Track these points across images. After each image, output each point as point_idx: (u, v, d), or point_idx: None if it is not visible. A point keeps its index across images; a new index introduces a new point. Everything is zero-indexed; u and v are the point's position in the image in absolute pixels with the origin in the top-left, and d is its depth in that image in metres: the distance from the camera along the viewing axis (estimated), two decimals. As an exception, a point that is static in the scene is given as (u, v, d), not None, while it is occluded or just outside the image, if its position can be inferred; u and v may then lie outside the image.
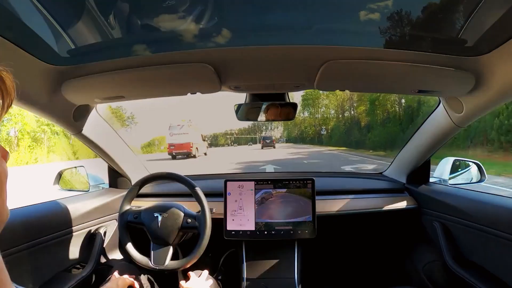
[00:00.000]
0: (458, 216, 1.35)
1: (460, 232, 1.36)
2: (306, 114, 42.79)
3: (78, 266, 1.38)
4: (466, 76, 0.99)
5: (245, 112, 1.36)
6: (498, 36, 0.83)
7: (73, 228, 1.34)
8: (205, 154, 22.27)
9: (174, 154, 19.72)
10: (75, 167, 1.69)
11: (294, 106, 1.32)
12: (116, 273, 1.25)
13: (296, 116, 1.35)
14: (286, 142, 47.95)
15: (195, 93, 1.17)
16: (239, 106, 1.34)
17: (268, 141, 30.86)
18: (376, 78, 1.09)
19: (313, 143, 38.48)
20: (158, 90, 1.20)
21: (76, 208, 1.38)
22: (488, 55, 0.89)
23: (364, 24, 0.87)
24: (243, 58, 0.99)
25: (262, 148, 28.68)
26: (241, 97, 1.37)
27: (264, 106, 1.33)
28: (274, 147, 29.32)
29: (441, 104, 1.33)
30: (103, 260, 1.50)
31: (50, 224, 1.24)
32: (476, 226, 1.25)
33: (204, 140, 22.91)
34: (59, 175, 1.63)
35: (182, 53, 0.96)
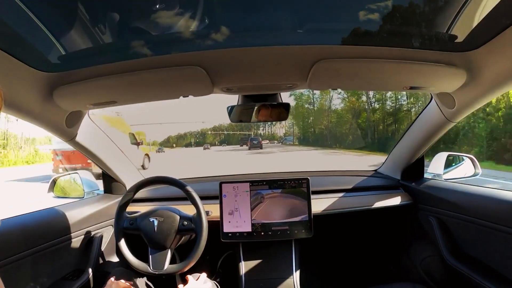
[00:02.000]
0: (453, 210, 1.36)
1: (456, 226, 1.37)
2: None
3: (76, 273, 1.36)
4: (457, 72, 0.99)
5: (238, 113, 1.35)
6: (487, 31, 0.83)
7: (69, 235, 1.32)
8: (143, 167, 13.22)
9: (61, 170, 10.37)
10: (69, 173, 1.68)
11: (286, 106, 1.31)
12: (112, 278, 1.24)
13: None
14: (300, 144, 31.21)
15: (187, 96, 1.16)
16: (232, 107, 1.33)
17: (255, 142, 29.93)
18: (367, 76, 1.08)
19: (361, 147, 21.05)
20: (150, 94, 1.19)
21: (71, 215, 1.36)
22: (478, 50, 0.90)
23: (355, 22, 0.88)
24: (235, 60, 0.98)
25: (249, 149, 28.09)
26: (233, 99, 1.35)
27: (256, 107, 1.32)
28: (261, 148, 28.50)
29: (433, 100, 1.33)
30: (100, 266, 1.50)
31: (46, 232, 1.22)
32: (472, 219, 1.25)
33: (138, 144, 13.28)
34: (53, 183, 1.61)
35: (174, 56, 0.95)
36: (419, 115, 1.50)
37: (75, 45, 0.91)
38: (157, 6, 0.83)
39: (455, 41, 0.91)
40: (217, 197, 1.51)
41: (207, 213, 1.35)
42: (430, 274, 1.52)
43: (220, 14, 0.88)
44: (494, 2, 0.75)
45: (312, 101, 31.27)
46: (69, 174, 1.68)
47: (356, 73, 1.06)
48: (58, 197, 1.61)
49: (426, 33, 0.93)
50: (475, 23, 0.83)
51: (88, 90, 1.06)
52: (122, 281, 1.22)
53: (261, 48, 0.93)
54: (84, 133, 1.35)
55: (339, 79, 1.12)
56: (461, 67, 0.99)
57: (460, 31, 0.87)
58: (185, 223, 1.32)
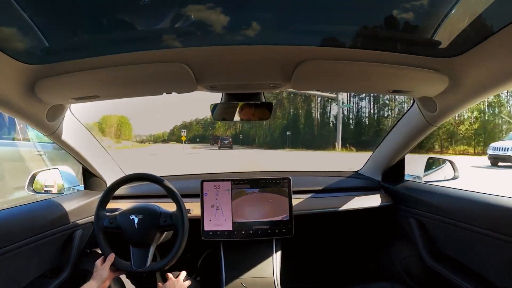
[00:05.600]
0: (433, 212, 1.36)
1: (435, 227, 1.37)
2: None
3: (55, 271, 1.31)
4: (440, 77, 0.99)
5: (221, 111, 1.32)
6: (471, 38, 0.82)
7: (48, 232, 1.26)
8: None
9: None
10: (49, 169, 1.62)
11: (269, 106, 1.29)
12: (98, 262, 1.20)
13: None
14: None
15: (171, 93, 1.13)
16: (215, 106, 1.30)
17: (225, 142, 30.31)
18: (351, 78, 1.08)
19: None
20: (133, 90, 1.15)
21: (51, 212, 1.31)
22: (461, 56, 0.89)
23: (340, 24, 0.87)
24: (220, 58, 0.96)
25: (219, 148, 28.54)
26: (217, 96, 1.32)
27: (240, 106, 1.30)
28: (231, 148, 28.95)
29: (415, 104, 1.33)
30: (80, 264, 1.44)
31: (25, 228, 1.17)
32: (450, 221, 1.26)
33: None
34: (32, 178, 1.55)
35: (158, 52, 0.92)
36: (401, 118, 1.50)
37: (59, 37, 0.88)
38: (143, 1, 0.81)
39: (439, 47, 0.91)
40: (198, 195, 1.48)
41: (188, 211, 1.32)
42: (409, 273, 1.52)
43: (206, 12, 0.85)
44: (479, 11, 0.75)
45: None
46: (49, 169, 1.62)
47: (340, 75, 1.05)
48: (37, 192, 1.55)
49: (411, 38, 0.93)
50: (459, 31, 0.83)
51: (71, 84, 1.02)
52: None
53: (246, 47, 0.91)
54: (66, 127, 1.30)
55: (323, 80, 1.11)
56: (443, 73, 0.98)
57: (444, 38, 0.87)
58: (166, 219, 1.28)
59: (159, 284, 1.24)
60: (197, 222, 1.45)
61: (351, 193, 1.68)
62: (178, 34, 0.89)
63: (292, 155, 20.81)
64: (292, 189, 1.48)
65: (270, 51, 0.94)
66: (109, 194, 1.32)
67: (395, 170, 1.69)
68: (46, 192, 1.58)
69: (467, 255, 1.22)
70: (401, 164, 1.68)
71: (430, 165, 1.71)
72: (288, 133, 31.82)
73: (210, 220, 1.46)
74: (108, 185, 1.35)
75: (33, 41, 0.86)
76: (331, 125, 31.39)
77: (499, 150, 11.22)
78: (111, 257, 1.21)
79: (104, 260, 1.21)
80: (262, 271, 1.47)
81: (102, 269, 1.17)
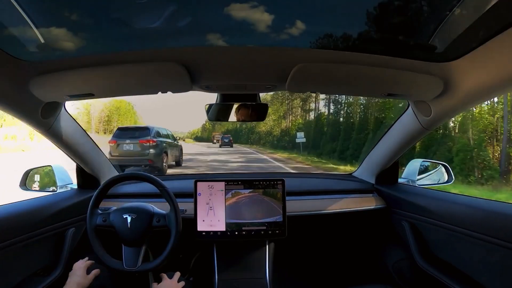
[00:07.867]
0: (426, 215, 1.36)
1: (428, 231, 1.37)
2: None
3: (47, 269, 1.29)
4: (435, 81, 0.98)
5: (216, 112, 1.31)
6: (467, 43, 0.82)
7: (41, 230, 1.24)
8: None
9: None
10: (43, 166, 1.60)
11: (265, 107, 1.29)
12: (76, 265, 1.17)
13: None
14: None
15: (166, 92, 1.11)
16: (210, 106, 1.29)
17: (226, 140, 29.22)
18: (347, 81, 1.07)
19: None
20: (128, 89, 1.15)
21: (44, 210, 1.28)
22: (457, 61, 0.88)
23: (336, 27, 0.86)
24: (215, 58, 0.95)
25: (220, 147, 27.70)
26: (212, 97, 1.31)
27: (235, 107, 1.29)
28: (232, 146, 27.94)
29: (410, 107, 1.32)
30: (72, 262, 1.43)
31: (17, 226, 1.15)
32: (443, 225, 1.25)
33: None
34: (26, 175, 1.53)
35: (154, 51, 0.91)
36: (396, 121, 1.49)
37: (55, 34, 0.86)
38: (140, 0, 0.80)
39: (435, 51, 0.90)
40: (192, 195, 1.46)
41: (182, 211, 1.30)
42: (402, 276, 1.52)
43: (202, 12, 0.85)
44: (474, 17, 0.74)
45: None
46: (43, 166, 1.59)
47: (336, 77, 1.04)
48: (30, 190, 1.53)
49: (407, 42, 0.92)
50: (456, 36, 0.82)
51: (66, 81, 1.00)
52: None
53: (242, 48, 0.91)
54: (59, 125, 1.27)
55: (318, 83, 1.10)
56: (438, 77, 0.98)
57: (440, 42, 0.87)
58: (159, 220, 1.26)
59: (154, 284, 1.23)
60: (190, 222, 1.43)
61: (345, 195, 1.68)
62: (174, 34, 0.89)
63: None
64: (285, 191, 1.47)
65: (266, 53, 0.93)
66: (103, 192, 1.30)
67: (389, 173, 1.69)
68: (40, 190, 1.56)
69: (459, 258, 1.22)
70: (394, 167, 1.67)
71: (424, 168, 1.70)
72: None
73: (203, 221, 1.44)
74: (102, 184, 1.33)
75: (28, 38, 0.85)
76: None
77: None
78: (88, 263, 1.19)
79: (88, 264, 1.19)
80: (254, 272, 1.46)
81: (74, 274, 1.14)
